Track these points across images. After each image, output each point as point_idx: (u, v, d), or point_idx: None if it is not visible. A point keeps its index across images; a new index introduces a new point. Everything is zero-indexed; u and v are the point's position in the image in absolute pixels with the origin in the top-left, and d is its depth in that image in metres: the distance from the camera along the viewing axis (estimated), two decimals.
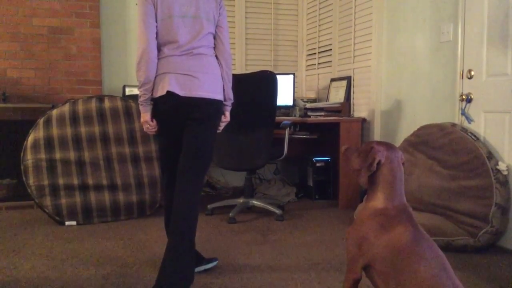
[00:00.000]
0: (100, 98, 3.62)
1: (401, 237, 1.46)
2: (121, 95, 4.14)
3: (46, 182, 3.38)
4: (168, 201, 2.32)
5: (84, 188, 3.44)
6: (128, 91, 4.12)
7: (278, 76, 3.51)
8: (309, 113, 4.11)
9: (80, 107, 3.55)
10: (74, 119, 3.52)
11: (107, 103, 3.60)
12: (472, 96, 3.01)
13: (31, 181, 3.38)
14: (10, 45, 4.08)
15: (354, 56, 4.23)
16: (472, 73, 3.01)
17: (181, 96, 2.16)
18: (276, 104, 3.43)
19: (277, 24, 4.98)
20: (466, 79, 3.05)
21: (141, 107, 2.23)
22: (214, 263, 2.46)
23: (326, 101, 4.47)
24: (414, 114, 3.54)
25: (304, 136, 4.18)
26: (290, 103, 4.34)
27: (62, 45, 4.21)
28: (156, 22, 2.17)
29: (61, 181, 3.40)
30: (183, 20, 2.19)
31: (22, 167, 3.41)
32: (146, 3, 2.16)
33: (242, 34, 4.86)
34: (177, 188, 2.19)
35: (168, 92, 2.15)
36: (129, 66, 4.47)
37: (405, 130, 3.62)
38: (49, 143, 3.44)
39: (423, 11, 3.42)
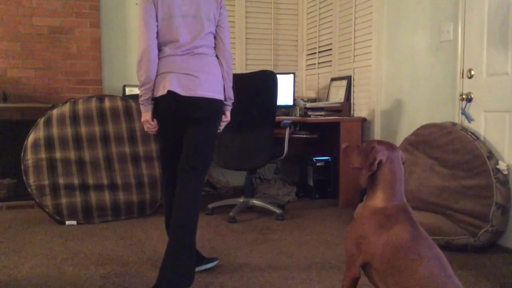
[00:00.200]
0: (100, 98, 3.62)
1: (400, 236, 1.46)
2: (121, 95, 4.14)
3: (46, 182, 3.38)
4: (168, 201, 2.32)
5: (84, 187, 3.44)
6: (128, 91, 4.12)
7: (278, 76, 3.51)
8: (309, 113, 4.11)
9: (80, 107, 3.55)
10: (75, 118, 3.52)
11: (107, 103, 3.60)
12: (472, 96, 3.01)
13: (31, 180, 3.38)
14: (10, 44, 4.08)
15: (354, 56, 4.23)
16: (472, 72, 3.01)
17: (182, 96, 2.16)
18: (276, 103, 3.43)
19: (277, 23, 4.98)
20: (466, 78, 3.06)
21: (141, 107, 2.23)
22: (215, 263, 2.46)
23: (326, 101, 4.47)
24: (414, 113, 3.54)
25: (304, 136, 4.18)
26: (290, 102, 4.34)
27: (62, 45, 4.21)
28: (157, 21, 2.18)
29: (61, 180, 3.40)
30: (184, 19, 2.19)
31: (22, 166, 3.42)
32: (147, 3, 2.15)
33: (242, 34, 4.86)
34: (177, 187, 2.20)
35: (169, 91, 2.16)
36: (129, 66, 4.47)
37: (405, 129, 3.62)
38: (49, 142, 3.44)
39: (423, 10, 3.42)
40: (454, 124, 3.02)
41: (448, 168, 2.87)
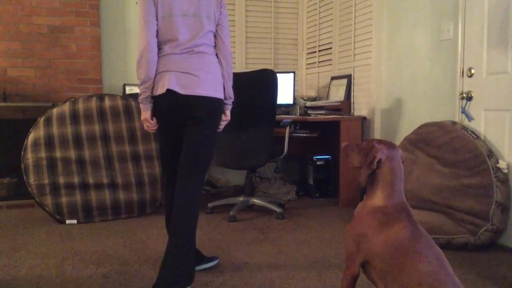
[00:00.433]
0: (101, 97, 3.62)
1: (399, 235, 1.46)
2: (121, 94, 4.14)
3: (46, 181, 3.38)
4: (168, 200, 2.32)
5: (84, 186, 3.44)
6: (128, 90, 4.12)
7: (278, 75, 3.51)
8: (309, 112, 4.11)
9: (81, 106, 3.55)
10: (75, 117, 3.52)
11: (107, 102, 3.60)
12: (472, 94, 3.01)
13: (31, 179, 3.38)
14: (10, 44, 4.08)
15: (354, 55, 4.23)
16: (472, 71, 3.01)
17: (181, 95, 2.16)
18: (276, 102, 3.42)
19: (277, 22, 4.98)
20: (466, 77, 3.05)
21: (141, 105, 2.23)
22: (215, 262, 2.47)
23: (327, 100, 4.47)
24: (414, 112, 3.54)
25: (305, 135, 4.18)
26: (291, 101, 4.34)
27: (62, 44, 4.21)
28: (157, 20, 2.17)
29: (61, 179, 3.41)
30: (184, 18, 2.19)
31: (22, 165, 3.42)
32: (147, 1, 2.15)
33: (242, 33, 4.86)
34: (177, 186, 2.19)
35: (168, 90, 2.15)
36: (129, 65, 4.47)
37: (405, 128, 3.62)
38: (49, 141, 3.44)
39: (423, 9, 3.42)
40: (454, 123, 3.02)
41: (448, 167, 2.87)
